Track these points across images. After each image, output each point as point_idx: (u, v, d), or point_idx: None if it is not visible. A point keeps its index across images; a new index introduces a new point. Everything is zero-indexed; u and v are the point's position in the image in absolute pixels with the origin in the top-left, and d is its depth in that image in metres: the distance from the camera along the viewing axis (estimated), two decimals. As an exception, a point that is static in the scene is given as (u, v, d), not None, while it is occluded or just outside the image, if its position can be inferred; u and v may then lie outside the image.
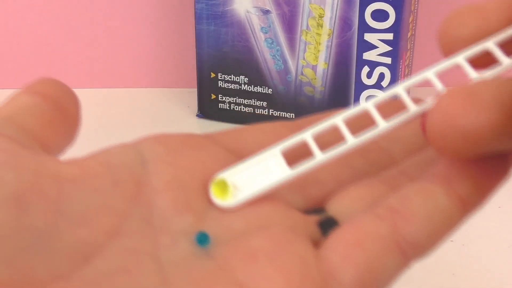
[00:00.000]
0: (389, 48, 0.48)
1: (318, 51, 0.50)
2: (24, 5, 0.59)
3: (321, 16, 0.49)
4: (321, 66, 0.50)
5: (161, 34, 0.60)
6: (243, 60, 0.52)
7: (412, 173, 0.21)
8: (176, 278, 0.17)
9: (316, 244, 0.19)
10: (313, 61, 0.50)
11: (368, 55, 0.48)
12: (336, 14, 0.48)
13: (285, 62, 0.51)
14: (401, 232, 0.19)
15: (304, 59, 0.50)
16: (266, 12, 0.50)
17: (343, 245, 0.19)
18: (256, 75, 0.52)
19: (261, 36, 0.51)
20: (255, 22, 0.50)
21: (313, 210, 0.21)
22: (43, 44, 0.60)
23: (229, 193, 0.20)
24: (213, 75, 0.53)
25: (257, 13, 0.50)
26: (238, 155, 0.21)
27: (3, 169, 0.16)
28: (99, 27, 0.60)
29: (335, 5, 0.48)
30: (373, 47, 0.48)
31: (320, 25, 0.49)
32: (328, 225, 0.20)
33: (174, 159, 0.20)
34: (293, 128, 0.22)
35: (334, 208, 0.21)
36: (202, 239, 0.18)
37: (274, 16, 0.50)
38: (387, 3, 0.47)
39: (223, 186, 0.20)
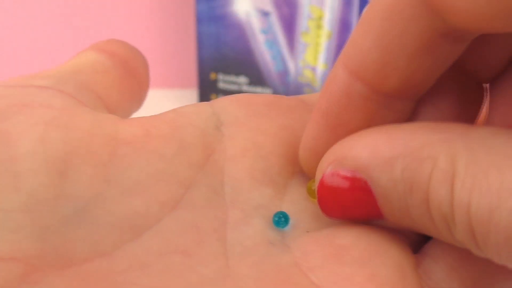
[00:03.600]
0: (388, 50, 0.48)
1: (318, 52, 0.50)
2: (24, 6, 0.59)
3: (320, 18, 0.49)
4: (321, 67, 0.51)
5: (162, 35, 0.61)
6: (243, 61, 0.52)
7: None
8: (241, 270, 0.14)
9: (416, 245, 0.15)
10: (313, 62, 0.51)
11: (367, 56, 0.49)
12: (335, 15, 0.49)
13: (284, 63, 0.51)
14: None
15: (303, 60, 0.51)
16: (266, 13, 0.50)
17: (452, 254, 0.14)
18: (256, 76, 0.52)
19: (261, 37, 0.51)
20: (255, 23, 0.51)
21: None
22: (42, 44, 0.60)
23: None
24: (213, 75, 0.54)
25: (257, 15, 0.51)
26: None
27: (49, 128, 0.14)
28: (99, 28, 0.60)
29: (334, 7, 0.48)
30: (372, 48, 0.48)
31: (319, 27, 0.50)
32: None
33: (255, 122, 0.17)
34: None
35: None
36: (280, 220, 0.15)
37: (274, 18, 0.50)
38: (385, 5, 0.47)
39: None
